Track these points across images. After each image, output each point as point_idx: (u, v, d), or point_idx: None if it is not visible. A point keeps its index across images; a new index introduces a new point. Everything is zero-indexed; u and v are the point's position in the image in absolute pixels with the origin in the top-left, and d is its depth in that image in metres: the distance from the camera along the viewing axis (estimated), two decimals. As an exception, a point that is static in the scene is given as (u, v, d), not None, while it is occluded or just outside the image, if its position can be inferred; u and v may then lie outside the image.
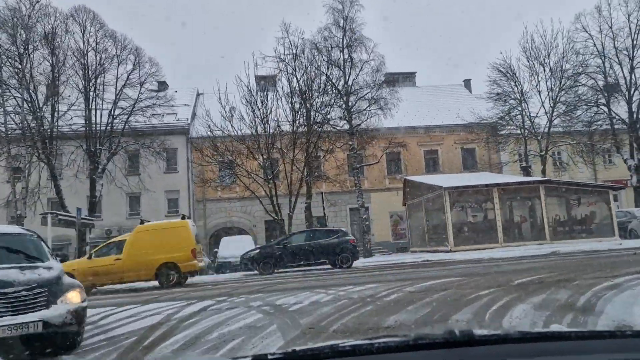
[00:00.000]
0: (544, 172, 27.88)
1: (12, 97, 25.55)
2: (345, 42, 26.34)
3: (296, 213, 31.01)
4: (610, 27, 30.30)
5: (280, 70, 23.95)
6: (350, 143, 26.23)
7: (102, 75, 27.88)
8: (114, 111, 28.16)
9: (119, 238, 15.42)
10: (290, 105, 21.88)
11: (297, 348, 1.30)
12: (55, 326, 5.42)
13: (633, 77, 30.07)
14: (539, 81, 29.01)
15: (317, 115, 22.41)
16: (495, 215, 21.95)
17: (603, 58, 30.31)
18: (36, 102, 25.77)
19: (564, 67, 29.25)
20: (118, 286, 14.55)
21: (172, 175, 33.27)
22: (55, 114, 26.53)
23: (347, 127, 26.42)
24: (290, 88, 21.97)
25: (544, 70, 28.94)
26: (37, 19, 25.72)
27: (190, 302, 9.47)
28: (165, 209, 33.75)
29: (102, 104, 28.40)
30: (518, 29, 59.21)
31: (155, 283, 14.15)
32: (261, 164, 20.90)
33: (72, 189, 28.24)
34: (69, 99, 27.12)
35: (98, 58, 27.44)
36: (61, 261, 7.08)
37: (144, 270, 13.80)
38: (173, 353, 5.34)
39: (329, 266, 17.36)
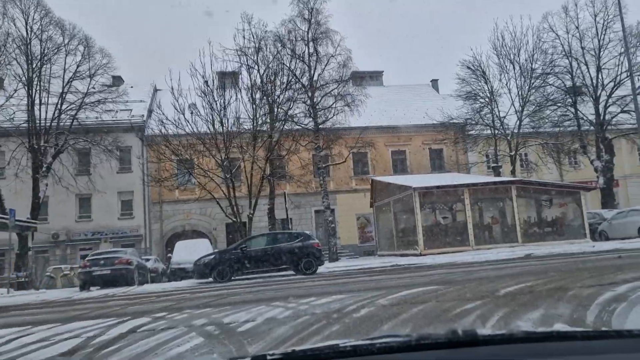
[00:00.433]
0: (513, 173, 27.30)
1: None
2: (310, 35, 25.07)
3: (259, 215, 29.51)
4: (577, 27, 30.13)
5: (242, 64, 22.42)
6: (315, 142, 24.94)
7: (48, 65, 25.72)
8: (60, 105, 26.04)
9: None
10: (250, 98, 20.35)
11: (297, 348, 1.26)
12: None
13: (600, 77, 29.94)
14: (509, 79, 28.49)
15: (279, 110, 20.93)
16: (466, 217, 21.05)
17: (570, 58, 30.10)
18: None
19: (532, 67, 28.86)
20: (52, 297, 12.76)
21: (125, 175, 31.23)
22: (-7, 108, 24.27)
23: (312, 124, 25.16)
24: (250, 81, 20.44)
25: (514, 68, 28.43)
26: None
27: (122, 320, 7.93)
28: (119, 211, 31.70)
29: (48, 98, 26.22)
30: (487, 28, 59.32)
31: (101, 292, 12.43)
32: (219, 162, 19.29)
33: (12, 190, 25.95)
34: (8, 91, 24.86)
35: (42, 47, 25.27)
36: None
37: None
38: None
39: (292, 272, 16.00)
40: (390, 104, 36.71)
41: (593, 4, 29.93)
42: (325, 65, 25.02)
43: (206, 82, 18.94)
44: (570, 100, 30.09)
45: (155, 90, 35.15)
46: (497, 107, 28.07)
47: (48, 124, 25.70)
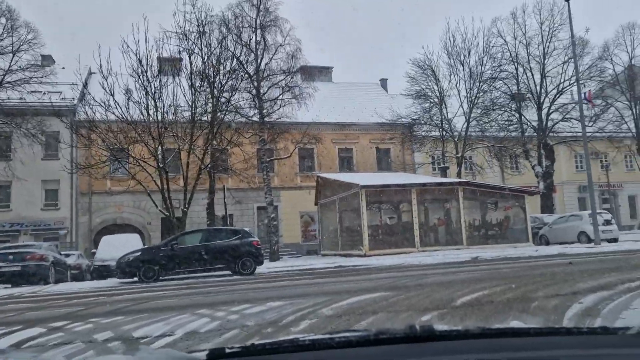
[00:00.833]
0: (459, 175, 27.14)
1: None
2: (258, 21, 23.76)
3: (198, 210, 27.86)
4: (524, 34, 30.49)
5: (183, 48, 20.71)
6: (260, 134, 23.68)
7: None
8: (-24, 82, 23.42)
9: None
10: (189, 83, 18.75)
11: (256, 342, 1.25)
12: None
13: (544, 84, 30.42)
14: (458, 80, 28.34)
15: (221, 98, 19.47)
16: (412, 218, 20.49)
17: (516, 64, 30.39)
18: None
19: (481, 70, 28.85)
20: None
21: (51, 163, 28.63)
22: None
23: (257, 116, 23.89)
24: (191, 65, 18.82)
25: (463, 70, 28.31)
26: None
27: (13, 330, 6.50)
28: (42, 201, 29.11)
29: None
30: (439, 29, 59.87)
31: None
32: (152, 150, 17.61)
33: None
34: None
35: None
36: None
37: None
38: None
39: (228, 273, 14.73)
40: (339, 100, 35.94)
41: (540, 12, 30.42)
42: (273, 55, 23.82)
43: (139, 60, 17.27)
44: (515, 105, 30.40)
45: (90, 73, 32.56)
46: (446, 108, 27.85)
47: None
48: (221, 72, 19.76)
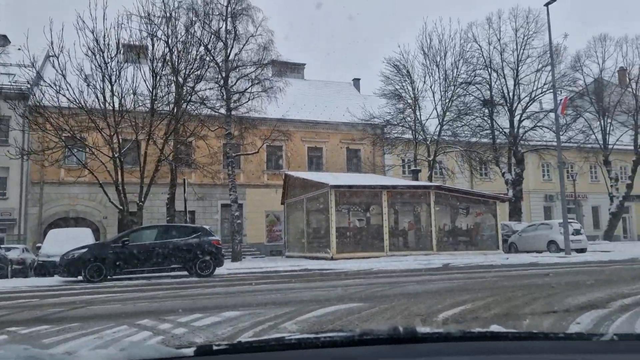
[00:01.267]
0: (430, 179, 26.64)
1: None
2: (229, 10, 22.62)
3: (158, 206, 26.46)
4: (499, 40, 30.30)
5: (146, 32, 19.31)
6: (226, 127, 22.53)
7: None
8: None
9: None
10: (150, 68, 17.42)
11: (243, 340, 1.28)
12: None
13: (517, 91, 30.30)
14: (433, 82, 27.84)
15: (185, 85, 18.23)
16: (382, 221, 19.75)
17: (490, 70, 30.16)
18: None
19: (456, 74, 28.45)
20: None
21: (0, 149, 26.73)
22: None
23: (224, 109, 22.73)
24: (153, 49, 17.49)
25: (438, 72, 27.83)
26: None
27: None
28: (-12, 190, 27.13)
29: None
30: (415, 31, 59.65)
31: None
32: (106, 138, 16.24)
33: None
34: None
35: None
36: None
37: None
38: None
39: (185, 273, 13.61)
40: (310, 98, 35.04)
41: (515, 19, 30.28)
42: (244, 45, 22.68)
43: (96, 39, 15.84)
44: (487, 111, 30.17)
45: (48, 56, 30.66)
46: (420, 109, 27.31)
47: None
48: (186, 58, 18.48)
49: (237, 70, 22.71)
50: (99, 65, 15.84)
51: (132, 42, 16.99)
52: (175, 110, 17.61)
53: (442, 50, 27.51)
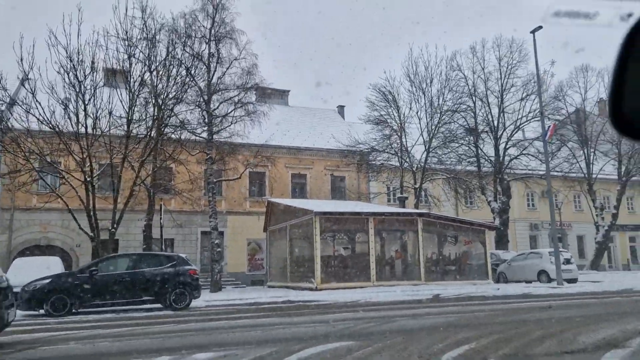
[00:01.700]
0: (416, 206, 26.06)
1: None
2: (213, 33, 22.13)
3: (135, 233, 25.35)
4: (483, 69, 30.31)
5: (126, 51, 18.59)
6: (208, 152, 21.76)
7: None
8: None
9: None
10: (127, 88, 16.61)
11: None
12: None
13: (502, 119, 30.19)
14: (419, 109, 27.57)
15: (164, 106, 17.46)
16: (369, 249, 18.98)
17: (474, 98, 30.05)
18: None
19: (441, 102, 28.26)
20: None
21: (-32, 173, 25.49)
22: None
23: (205, 133, 22.00)
24: (130, 65, 16.68)
25: (424, 98, 27.60)
26: None
27: None
28: (-45, 217, 25.75)
29: None
30: (399, 59, 60.03)
31: None
32: (78, 161, 15.28)
33: None
34: None
35: None
36: None
37: None
38: None
39: (159, 306, 12.61)
40: (294, 124, 34.62)
41: (499, 48, 30.38)
42: (227, 69, 22.13)
43: (70, 57, 15.04)
44: (472, 139, 29.94)
45: (25, 79, 29.76)
46: (405, 136, 26.90)
47: None
48: (166, 79, 17.75)
49: (220, 93, 22.10)
50: (72, 84, 15.05)
51: (108, 61, 16.23)
52: (152, 133, 16.79)
53: (428, 77, 27.34)
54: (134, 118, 16.31)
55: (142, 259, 12.74)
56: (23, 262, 17.10)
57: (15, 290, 15.09)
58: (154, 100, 17.70)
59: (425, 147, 26.96)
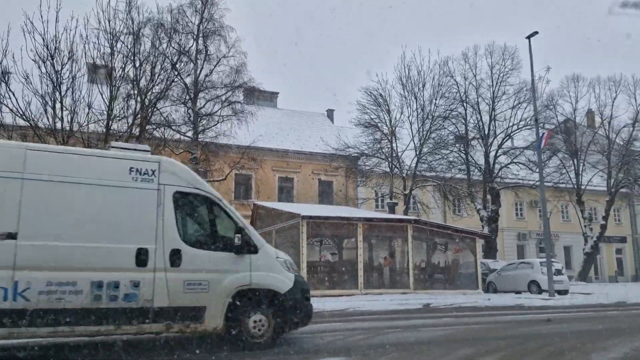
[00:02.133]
0: (406, 213, 25.56)
1: None
2: (201, 29, 21.49)
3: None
4: (475, 76, 30.01)
5: (112, 46, 17.78)
6: (192, 152, 21.05)
7: None
8: None
9: None
10: (108, 82, 15.80)
11: None
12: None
13: (492, 126, 29.89)
14: (411, 113, 27.14)
15: (145, 100, 16.69)
16: (357, 255, 18.37)
17: (465, 106, 29.71)
18: None
19: (433, 108, 27.87)
20: None
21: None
22: None
23: (191, 132, 21.31)
24: (112, 56, 15.87)
25: (416, 103, 27.18)
26: None
27: None
28: None
29: None
30: (387, 66, 59.80)
31: None
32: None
33: None
34: None
35: None
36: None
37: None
38: None
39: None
40: (283, 127, 34.05)
41: (491, 55, 30.12)
42: (215, 66, 21.51)
43: (47, 46, 14.22)
44: (462, 146, 29.58)
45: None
46: (396, 141, 26.42)
47: None
48: (150, 73, 17.01)
49: (207, 91, 21.43)
50: (48, 74, 14.27)
51: (88, 52, 15.43)
52: (133, 130, 16.02)
53: (421, 82, 26.93)
54: (115, 113, 15.50)
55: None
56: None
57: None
58: (136, 95, 16.93)
59: (415, 152, 26.51)
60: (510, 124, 29.50)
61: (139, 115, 16.92)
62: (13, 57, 13.99)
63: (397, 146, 26.36)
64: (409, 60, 29.56)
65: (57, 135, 14.22)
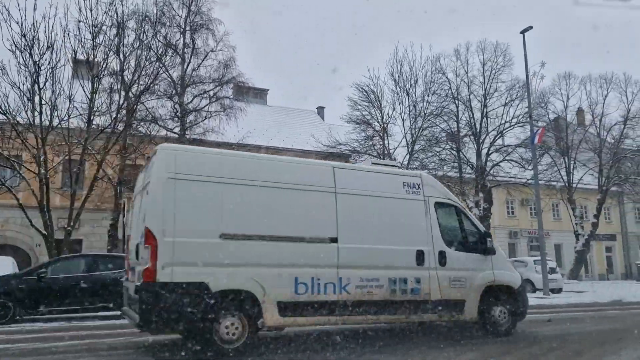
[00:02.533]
0: (398, 211, 25.14)
1: None
2: (188, 22, 20.91)
3: (100, 234, 23.85)
4: (467, 73, 29.72)
5: (94, 36, 17.11)
6: (180, 148, 20.43)
7: None
8: None
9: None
10: (91, 75, 15.17)
11: None
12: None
13: (484, 124, 29.61)
14: (403, 110, 26.74)
15: (129, 94, 16.10)
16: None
17: (457, 103, 29.41)
18: None
19: (424, 105, 27.52)
20: None
21: None
22: None
23: (178, 129, 20.70)
24: (94, 47, 15.19)
25: (409, 99, 26.79)
26: None
27: None
28: None
29: None
30: (377, 62, 59.43)
31: None
32: (31, 150, 13.78)
33: None
34: None
35: None
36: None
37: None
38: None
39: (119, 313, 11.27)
40: (272, 124, 33.46)
41: (483, 52, 29.85)
42: (203, 60, 20.92)
43: (24, 35, 13.53)
44: (454, 144, 29.28)
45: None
46: (388, 138, 26.01)
47: None
48: (134, 65, 16.41)
49: (194, 86, 20.85)
50: (26, 64, 13.62)
51: (69, 42, 14.77)
52: (117, 125, 15.44)
53: (413, 78, 26.56)
54: (97, 107, 14.89)
55: (100, 261, 11.40)
56: (-32, 262, 15.50)
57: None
58: (120, 89, 16.31)
59: (407, 149, 26.14)
60: (503, 121, 29.24)
61: (123, 109, 16.34)
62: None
63: (388, 143, 25.95)
64: (401, 55, 29.20)
65: (36, 130, 13.60)
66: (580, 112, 37.18)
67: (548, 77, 65.50)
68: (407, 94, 26.64)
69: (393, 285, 6.55)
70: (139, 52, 16.95)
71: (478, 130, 29.33)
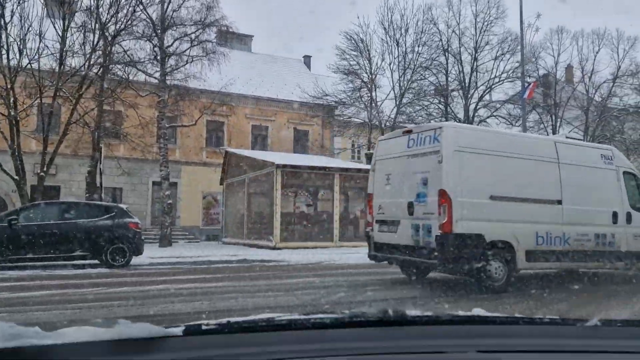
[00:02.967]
0: (383, 164, 24.90)
1: None
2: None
3: (78, 181, 23.28)
4: (458, 24, 28.91)
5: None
6: (160, 94, 19.67)
7: None
8: None
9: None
10: (61, 12, 14.24)
11: (232, 320, 1.19)
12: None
13: (473, 78, 29.10)
14: (392, 60, 26.01)
15: (103, 32, 15.18)
16: (333, 207, 17.77)
17: (447, 55, 28.74)
18: None
19: (413, 58, 26.80)
20: None
21: None
22: None
23: (158, 73, 19.84)
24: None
25: (398, 50, 26.03)
26: None
27: None
28: None
29: None
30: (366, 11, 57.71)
31: None
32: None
33: None
34: None
35: None
36: None
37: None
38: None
39: (96, 262, 10.97)
40: (257, 72, 32.38)
41: (476, 3, 28.95)
42: (184, 1, 19.81)
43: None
44: (442, 98, 28.81)
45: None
46: (376, 90, 25.40)
47: None
48: (109, 3, 15.39)
49: (175, 28, 19.84)
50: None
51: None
52: (91, 65, 14.62)
53: (403, 26, 25.70)
54: (70, 46, 14.03)
55: (75, 209, 10.97)
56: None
57: None
58: (94, 28, 15.36)
59: (395, 102, 25.62)
60: (492, 75, 28.77)
61: (99, 50, 15.46)
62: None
63: (376, 95, 25.38)
64: (392, 3, 28.13)
65: (4, 69, 12.78)
66: (569, 68, 36.71)
67: (542, 31, 64.53)
68: (397, 44, 25.85)
69: (597, 239, 8.12)
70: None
71: (467, 85, 28.86)
